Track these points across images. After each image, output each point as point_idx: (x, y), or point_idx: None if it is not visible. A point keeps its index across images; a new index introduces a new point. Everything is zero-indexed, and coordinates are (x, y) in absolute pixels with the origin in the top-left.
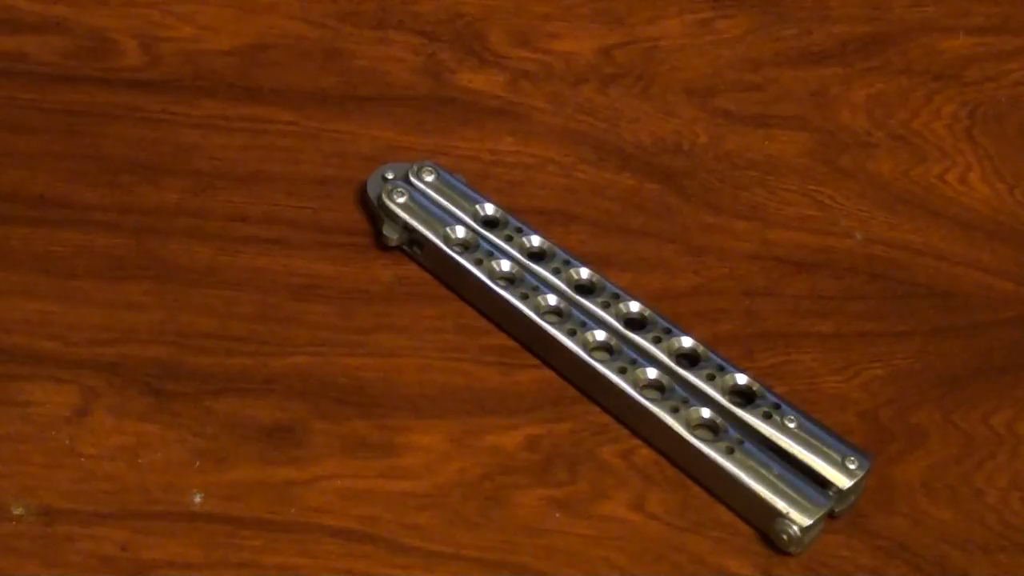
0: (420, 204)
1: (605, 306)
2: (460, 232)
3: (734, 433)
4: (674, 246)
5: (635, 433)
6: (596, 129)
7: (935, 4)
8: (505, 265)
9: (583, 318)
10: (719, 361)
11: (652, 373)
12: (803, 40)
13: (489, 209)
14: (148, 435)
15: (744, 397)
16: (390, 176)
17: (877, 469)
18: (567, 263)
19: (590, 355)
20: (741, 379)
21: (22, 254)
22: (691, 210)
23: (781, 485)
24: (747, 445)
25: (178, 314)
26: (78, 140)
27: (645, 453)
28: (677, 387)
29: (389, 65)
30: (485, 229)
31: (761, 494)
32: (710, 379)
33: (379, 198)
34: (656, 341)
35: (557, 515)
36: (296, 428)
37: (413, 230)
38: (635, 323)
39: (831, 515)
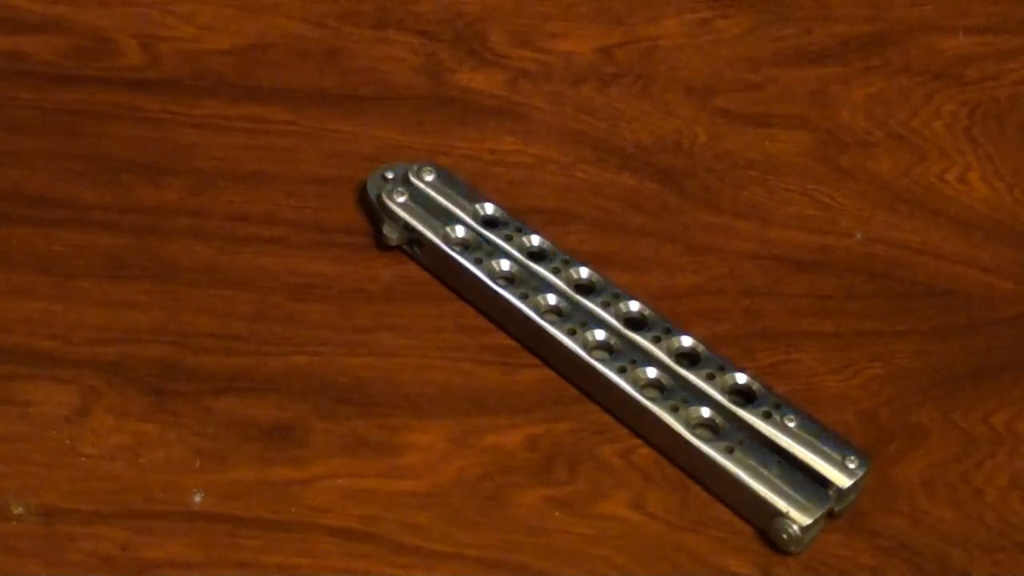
0: (420, 204)
1: (605, 306)
2: (460, 232)
3: (734, 433)
4: (674, 246)
5: (635, 433)
6: (596, 129)
7: (935, 4)
8: (505, 265)
9: (583, 318)
10: (719, 361)
11: (652, 372)
12: (803, 40)
13: (489, 209)
14: (148, 435)
15: (744, 396)
16: (390, 176)
17: (877, 468)
18: (567, 263)
19: (590, 355)
20: (741, 378)
21: (22, 254)
22: (691, 210)
23: (781, 484)
24: (747, 444)
25: (178, 314)
26: (78, 140)
27: (645, 453)
28: (677, 387)
29: (389, 65)
30: (485, 229)
31: (761, 493)
32: (710, 378)
33: (379, 198)
34: (656, 340)
35: (557, 514)
36: (296, 428)
37: (413, 230)
38: (635, 323)
39: (831, 514)
